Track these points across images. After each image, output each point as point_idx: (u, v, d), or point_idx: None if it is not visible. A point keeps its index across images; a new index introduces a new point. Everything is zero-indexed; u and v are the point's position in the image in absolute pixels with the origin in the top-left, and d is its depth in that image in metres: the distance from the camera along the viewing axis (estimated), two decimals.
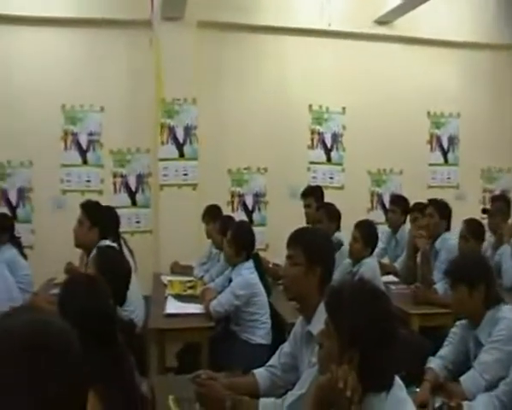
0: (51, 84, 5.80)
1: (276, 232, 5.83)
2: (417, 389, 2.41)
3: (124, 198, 5.89)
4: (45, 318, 1.11)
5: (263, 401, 2.22)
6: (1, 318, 1.14)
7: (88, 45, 5.89)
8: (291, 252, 2.35)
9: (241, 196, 6.16)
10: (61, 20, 5.73)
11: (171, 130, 5.71)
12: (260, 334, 3.70)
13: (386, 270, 4.88)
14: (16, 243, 4.83)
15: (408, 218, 5.15)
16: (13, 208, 5.83)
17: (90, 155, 5.94)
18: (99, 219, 3.87)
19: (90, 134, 5.94)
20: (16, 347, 1.00)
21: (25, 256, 4.85)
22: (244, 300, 3.68)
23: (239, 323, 3.77)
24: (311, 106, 6.33)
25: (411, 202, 5.21)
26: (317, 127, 6.40)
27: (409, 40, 6.38)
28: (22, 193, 5.90)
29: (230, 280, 3.82)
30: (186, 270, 5.16)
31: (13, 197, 5.89)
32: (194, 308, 3.87)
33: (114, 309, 1.95)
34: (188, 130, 5.74)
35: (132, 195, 5.94)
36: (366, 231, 4.20)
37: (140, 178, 5.95)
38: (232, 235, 3.86)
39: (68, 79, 5.83)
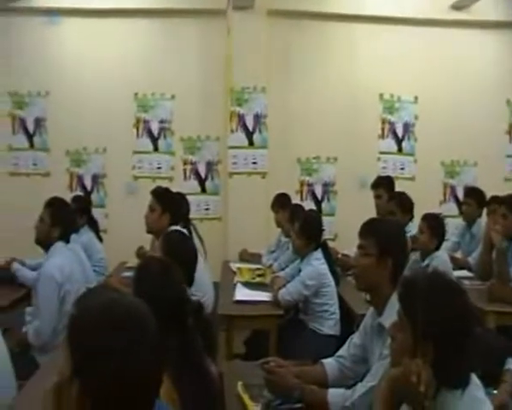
0: (124, 73, 5.98)
1: (344, 222, 5.78)
2: (495, 392, 2.32)
3: (193, 185, 6.00)
4: (127, 298, 1.15)
5: (332, 391, 2.21)
6: (84, 296, 1.18)
7: (160, 34, 6.02)
8: (363, 242, 2.31)
9: (310, 185, 6.12)
10: (135, 10, 5.88)
11: (241, 118, 5.74)
12: (329, 324, 3.67)
13: (459, 264, 4.73)
14: (93, 226, 5.01)
15: (484, 211, 4.97)
16: (88, 193, 6.06)
17: (161, 143, 6.07)
18: (170, 205, 3.93)
19: (162, 122, 6.07)
20: (102, 324, 1.04)
21: (100, 239, 5.01)
22: (313, 290, 3.66)
23: (308, 312, 3.76)
24: (381, 95, 6.20)
25: (487, 195, 5.01)
26: (388, 117, 6.26)
27: (487, 24, 6.11)
28: (96, 179, 6.13)
29: (300, 270, 3.80)
30: (254, 258, 5.19)
31: (88, 183, 6.13)
32: (263, 296, 3.86)
33: (187, 293, 1.98)
34: (257, 118, 5.75)
35: (202, 182, 6.03)
36: (433, 223, 4.07)
37: (210, 166, 6.03)
38: (301, 225, 3.83)
39: (141, 68, 5.97)
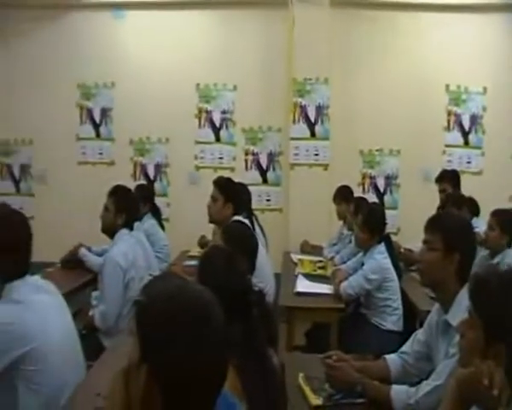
0: (187, 64, 6.06)
1: (408, 216, 5.68)
2: None
3: (255, 176, 6.02)
4: (194, 286, 1.15)
5: (395, 387, 2.16)
6: (151, 283, 1.20)
7: (222, 25, 6.05)
8: (428, 237, 2.25)
9: (372, 177, 6.03)
10: (198, 2, 5.95)
11: (303, 109, 5.70)
12: (391, 320, 3.61)
13: None
14: (156, 214, 5.11)
15: None
16: (151, 182, 6.19)
17: (222, 133, 6.12)
18: (232, 195, 3.95)
19: (224, 112, 6.12)
20: (170, 311, 1.05)
21: (163, 228, 5.11)
22: (376, 284, 3.60)
23: (370, 307, 3.70)
24: (448, 86, 6.01)
25: None
26: (455, 108, 6.07)
27: None
28: (159, 168, 6.25)
29: (363, 264, 3.75)
30: (316, 250, 5.16)
31: (151, 172, 6.26)
32: (325, 288, 3.84)
33: (251, 283, 1.98)
34: (319, 109, 5.69)
35: (263, 173, 6.04)
36: (504, 218, 3.92)
37: (271, 157, 6.04)
38: (364, 218, 3.78)
39: (203, 59, 6.04)
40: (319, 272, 4.34)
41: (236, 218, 3.80)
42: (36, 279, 2.36)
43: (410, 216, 5.49)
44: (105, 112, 6.32)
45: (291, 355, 3.00)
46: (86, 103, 6.34)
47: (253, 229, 3.76)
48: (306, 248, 5.28)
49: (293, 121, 5.70)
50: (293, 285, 3.93)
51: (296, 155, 5.70)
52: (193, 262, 4.28)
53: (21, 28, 6.32)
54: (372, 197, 5.79)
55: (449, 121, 6.07)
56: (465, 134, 6.07)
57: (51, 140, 6.33)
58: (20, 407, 2.17)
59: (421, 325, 2.69)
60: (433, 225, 2.28)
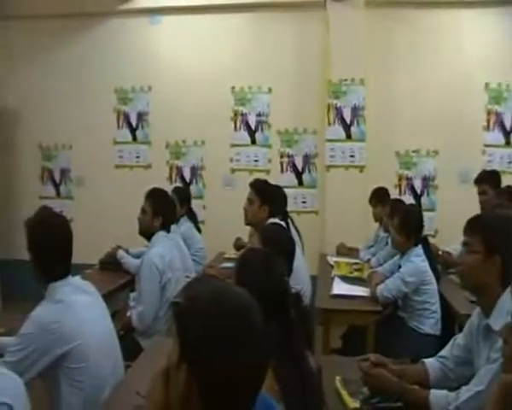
0: (222, 67, 6.10)
1: (446, 218, 5.58)
2: None
3: (290, 178, 6.01)
4: (233, 287, 1.16)
5: (434, 392, 2.12)
6: (191, 284, 1.21)
7: (256, 28, 6.07)
8: (468, 239, 2.19)
9: (409, 179, 5.94)
10: (232, 5, 5.97)
11: (339, 111, 5.66)
12: (429, 323, 3.54)
13: None
14: (192, 216, 5.15)
15: None
16: (187, 185, 6.24)
17: (258, 136, 6.13)
18: (269, 197, 3.95)
19: (259, 115, 6.13)
20: (210, 312, 1.06)
21: (199, 230, 5.15)
22: (413, 287, 3.54)
23: (407, 310, 3.65)
24: (487, 84, 5.87)
25: None
26: (495, 107, 5.91)
27: None
28: (195, 171, 6.30)
29: (400, 266, 3.70)
30: (352, 252, 5.12)
31: (187, 175, 6.32)
32: (361, 291, 3.79)
33: (288, 285, 1.98)
34: (355, 111, 5.65)
35: (299, 175, 6.03)
36: None
37: (307, 159, 6.02)
38: (400, 220, 3.72)
39: (238, 62, 6.07)
40: (355, 274, 4.30)
41: (272, 220, 3.81)
42: (77, 280, 2.41)
43: (449, 218, 5.39)
44: (141, 116, 6.41)
45: (327, 358, 2.98)
46: (123, 108, 6.44)
47: (289, 231, 3.74)
48: (342, 251, 5.24)
49: (329, 123, 5.66)
50: (330, 288, 3.90)
51: (332, 156, 5.66)
52: (229, 264, 4.31)
53: (60, 37, 6.48)
54: (409, 199, 5.70)
55: (488, 121, 5.93)
56: (506, 133, 5.92)
57: (89, 145, 6.46)
58: (63, 403, 2.22)
59: (460, 329, 2.64)
60: (472, 226, 2.22)
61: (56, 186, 6.70)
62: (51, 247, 2.30)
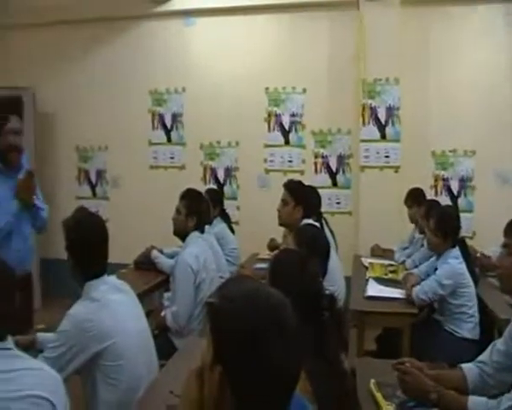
0: (255, 68, 6.10)
1: (483, 220, 5.46)
2: None
3: (324, 179, 5.97)
4: (267, 288, 1.15)
5: (473, 398, 2.06)
6: (225, 285, 1.21)
7: (290, 29, 6.04)
8: (508, 241, 2.15)
9: (445, 179, 5.81)
10: (265, 6, 5.97)
11: (373, 110, 5.60)
12: (467, 327, 3.46)
13: None
14: (225, 217, 5.17)
15: None
16: (221, 186, 6.27)
17: (292, 136, 6.11)
18: (303, 198, 3.93)
19: (293, 115, 6.11)
20: (244, 312, 1.05)
21: (232, 231, 5.16)
22: (450, 290, 3.47)
23: (444, 313, 3.57)
24: None
25: None
26: None
27: None
28: (229, 172, 6.32)
29: (436, 268, 3.63)
30: (387, 253, 5.05)
31: (221, 175, 6.34)
32: (396, 293, 3.73)
33: (322, 287, 1.97)
34: (390, 110, 5.58)
35: (333, 175, 5.98)
36: None
37: (341, 159, 5.97)
38: (436, 221, 3.64)
39: (272, 63, 6.06)
40: (390, 276, 4.24)
41: (307, 221, 3.79)
42: (113, 279, 2.45)
43: (486, 220, 5.28)
44: (176, 117, 6.47)
45: (362, 360, 2.94)
46: (158, 109, 6.51)
47: (323, 232, 3.72)
48: (377, 252, 5.18)
49: (363, 123, 5.61)
50: (364, 289, 3.86)
51: (366, 157, 5.61)
52: (262, 265, 4.31)
53: (96, 40, 6.60)
54: (445, 200, 5.59)
55: None
56: None
57: (125, 146, 6.56)
58: (99, 400, 2.26)
59: (499, 334, 2.58)
60: None
61: (92, 187, 6.82)
62: (88, 246, 2.34)
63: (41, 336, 2.58)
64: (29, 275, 3.58)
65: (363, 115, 5.61)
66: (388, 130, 5.58)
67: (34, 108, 6.33)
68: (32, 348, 2.45)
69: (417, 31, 5.66)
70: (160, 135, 6.51)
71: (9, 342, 1.70)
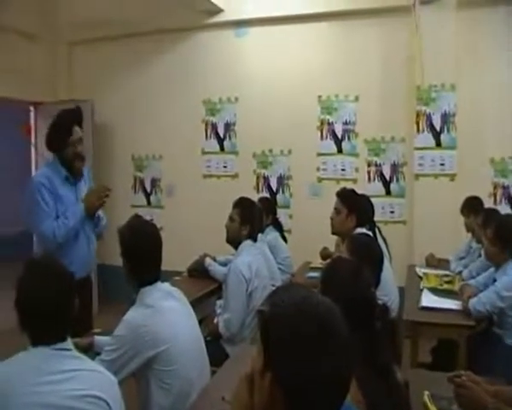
0: (308, 76, 6.10)
1: None
2: None
3: (378, 187, 5.88)
4: (318, 296, 1.15)
5: None
6: (276, 292, 1.21)
7: (341, 36, 6.01)
8: None
9: (505, 187, 5.61)
10: (316, 15, 5.97)
11: (428, 117, 5.50)
12: None
13: None
14: (278, 226, 5.18)
15: None
16: (273, 194, 6.29)
17: (345, 144, 6.07)
18: (356, 207, 3.89)
19: (345, 123, 6.06)
20: (296, 319, 1.06)
21: (285, 239, 5.16)
22: (510, 302, 3.32)
23: (504, 326, 3.43)
24: None
25: None
26: None
27: None
28: (282, 180, 6.33)
29: (495, 279, 3.51)
30: (442, 263, 4.93)
31: (273, 184, 6.35)
32: (452, 304, 3.62)
33: (375, 296, 1.94)
34: (445, 117, 5.46)
35: (386, 184, 5.89)
36: None
37: (395, 168, 5.87)
38: (495, 231, 3.52)
39: (324, 71, 6.05)
40: (446, 286, 4.13)
41: (360, 230, 3.75)
42: (166, 286, 2.49)
43: None
44: (229, 126, 6.54)
45: (416, 372, 2.88)
46: (211, 119, 6.60)
47: (376, 241, 3.67)
48: (432, 262, 5.05)
49: (418, 130, 5.52)
50: (418, 300, 3.77)
51: (421, 165, 5.51)
52: (315, 274, 4.29)
53: (151, 53, 6.79)
54: (505, 209, 5.40)
55: None
56: None
57: (179, 155, 6.69)
58: (153, 404, 2.30)
59: None
60: None
61: (147, 195, 6.97)
62: (142, 253, 2.39)
63: (98, 339, 2.65)
64: (89, 278, 3.70)
65: (417, 122, 5.52)
66: (443, 137, 5.47)
67: (92, 120, 6.54)
68: (90, 351, 2.53)
69: (474, 34, 5.51)
70: (214, 144, 6.60)
71: (69, 343, 1.77)
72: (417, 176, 5.54)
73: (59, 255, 2.58)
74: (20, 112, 7.24)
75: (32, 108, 6.99)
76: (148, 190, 6.97)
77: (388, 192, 5.89)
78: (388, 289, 3.41)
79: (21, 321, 1.74)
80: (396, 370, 1.91)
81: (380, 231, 4.39)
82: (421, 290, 4.02)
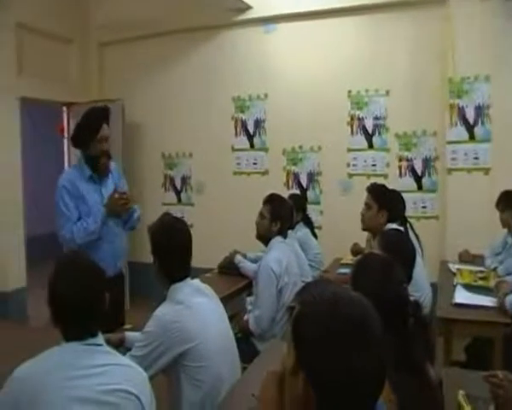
0: (337, 71, 6.04)
1: None
2: None
3: (409, 182, 5.79)
4: (351, 293, 1.13)
5: None
6: (306, 289, 1.20)
7: (371, 30, 5.92)
8: None
9: None
10: (344, 9, 5.91)
11: (461, 110, 5.39)
12: None
13: None
14: (308, 222, 5.15)
15: None
16: (304, 191, 6.26)
17: (375, 139, 5.99)
18: (387, 202, 3.85)
19: (376, 118, 5.98)
20: (328, 317, 1.04)
21: (315, 236, 5.13)
22: None
23: None
24: None
25: None
26: None
27: None
28: (312, 176, 6.29)
29: None
30: (476, 259, 4.83)
31: (303, 180, 6.32)
32: (486, 301, 3.54)
33: (407, 293, 1.91)
34: (479, 110, 5.35)
35: (418, 179, 5.80)
36: None
37: (426, 162, 5.77)
38: None
39: (353, 66, 5.98)
40: (480, 282, 4.04)
41: (391, 225, 3.70)
42: (196, 283, 2.50)
43: None
44: (258, 123, 6.53)
45: (449, 371, 2.81)
46: (241, 116, 6.60)
47: (408, 237, 3.61)
48: (466, 258, 4.96)
49: (450, 124, 5.42)
50: (452, 296, 3.69)
51: (453, 159, 5.41)
52: (346, 270, 4.26)
53: (180, 51, 6.83)
54: None
55: None
56: None
57: (209, 152, 6.71)
58: (184, 400, 2.31)
59: None
60: None
61: (177, 193, 7.02)
62: (172, 250, 2.40)
63: (129, 334, 2.68)
64: (122, 274, 3.73)
65: (449, 116, 5.42)
66: (477, 130, 5.35)
67: (123, 119, 6.60)
68: (121, 346, 2.56)
69: (509, 23, 5.38)
70: (243, 141, 6.60)
71: (100, 338, 1.79)
72: (450, 170, 5.43)
73: (89, 252, 2.61)
74: (55, 112, 7.35)
75: (64, 109, 7.10)
76: (179, 187, 7.02)
77: (420, 187, 5.79)
78: (420, 286, 3.36)
79: (53, 317, 1.77)
80: (429, 369, 1.88)
81: (412, 227, 4.33)
82: (455, 287, 3.93)
